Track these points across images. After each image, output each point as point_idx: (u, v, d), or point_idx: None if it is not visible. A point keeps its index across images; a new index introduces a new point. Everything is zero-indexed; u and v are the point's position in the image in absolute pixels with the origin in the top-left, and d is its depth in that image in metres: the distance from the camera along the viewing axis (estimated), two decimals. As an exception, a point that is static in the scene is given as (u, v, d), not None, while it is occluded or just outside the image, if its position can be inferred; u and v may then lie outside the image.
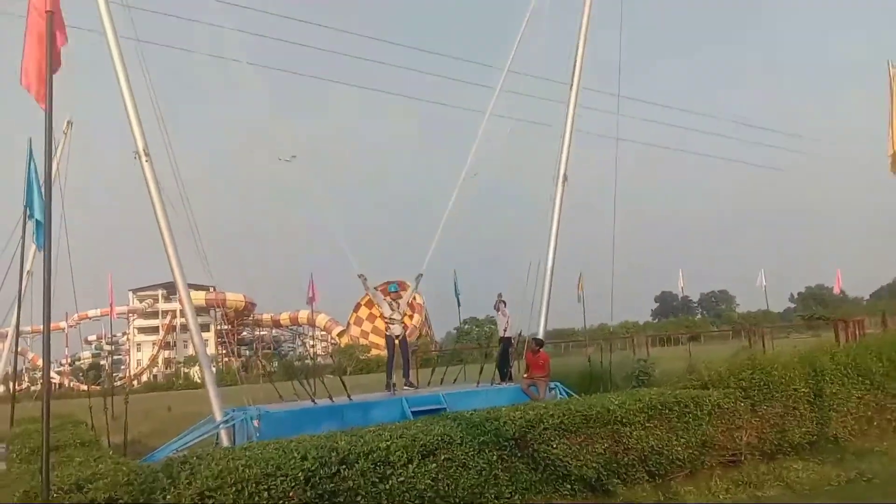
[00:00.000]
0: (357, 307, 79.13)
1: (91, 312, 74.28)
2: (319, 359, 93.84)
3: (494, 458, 7.25)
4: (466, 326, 76.44)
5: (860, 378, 10.58)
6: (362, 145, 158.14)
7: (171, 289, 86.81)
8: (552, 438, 7.71)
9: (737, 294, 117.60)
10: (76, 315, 74.31)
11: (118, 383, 71.44)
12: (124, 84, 11.66)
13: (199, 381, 61.79)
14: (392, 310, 13.67)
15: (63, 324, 71.09)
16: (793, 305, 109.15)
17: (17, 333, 6.86)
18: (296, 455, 6.17)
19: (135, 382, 71.57)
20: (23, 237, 5.85)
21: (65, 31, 6.45)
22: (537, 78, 17.35)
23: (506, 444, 7.39)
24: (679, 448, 8.60)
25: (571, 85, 16.20)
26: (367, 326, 78.39)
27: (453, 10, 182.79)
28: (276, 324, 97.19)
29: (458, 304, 22.53)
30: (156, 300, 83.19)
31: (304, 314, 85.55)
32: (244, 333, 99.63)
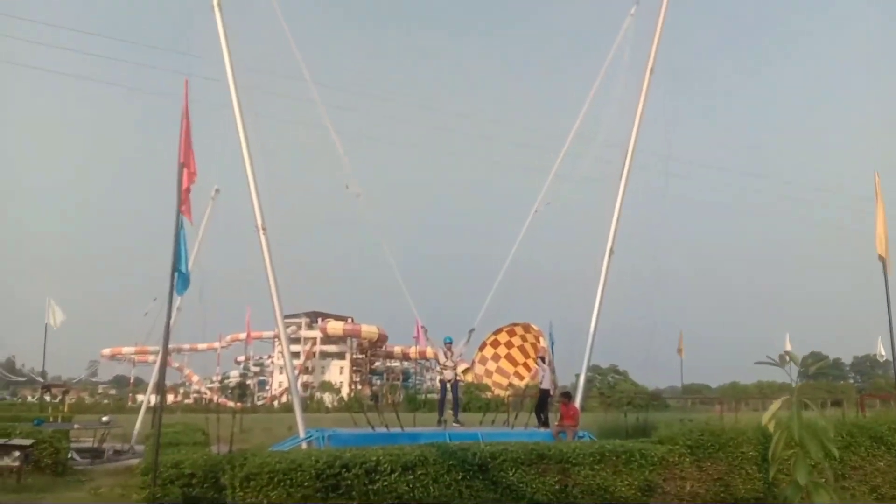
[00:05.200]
0: (482, 346, 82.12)
1: (241, 335, 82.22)
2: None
3: (460, 477, 10.00)
4: (590, 374, 77.33)
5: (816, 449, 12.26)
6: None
7: (313, 317, 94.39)
8: (510, 468, 10.35)
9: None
10: (228, 337, 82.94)
11: (260, 402, 78.76)
12: (249, 169, 15.42)
13: (328, 406, 67.10)
14: (446, 357, 16.70)
15: (217, 344, 79.79)
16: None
17: (165, 356, 10.30)
18: (312, 459, 9.32)
19: (275, 403, 78.18)
20: (171, 283, 9.34)
21: (195, 174, 10.03)
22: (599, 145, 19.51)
23: (470, 468, 10.12)
24: (623, 488, 10.92)
25: (622, 173, 18.41)
26: (491, 366, 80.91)
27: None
28: (406, 357, 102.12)
29: (552, 355, 25.23)
30: (299, 327, 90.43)
31: (431, 350, 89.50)
32: (377, 364, 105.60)
